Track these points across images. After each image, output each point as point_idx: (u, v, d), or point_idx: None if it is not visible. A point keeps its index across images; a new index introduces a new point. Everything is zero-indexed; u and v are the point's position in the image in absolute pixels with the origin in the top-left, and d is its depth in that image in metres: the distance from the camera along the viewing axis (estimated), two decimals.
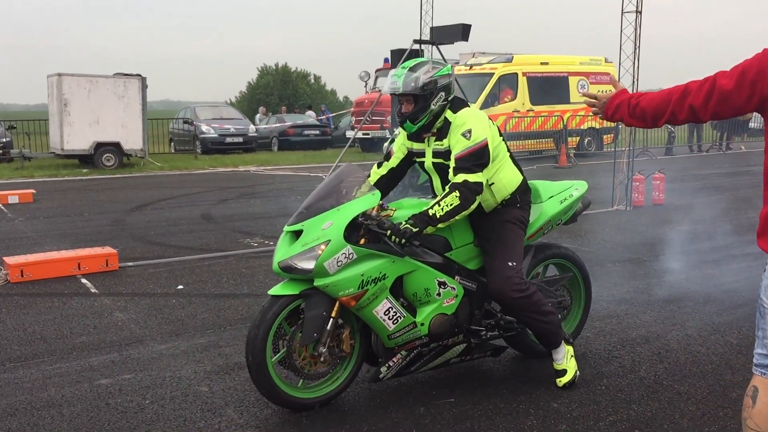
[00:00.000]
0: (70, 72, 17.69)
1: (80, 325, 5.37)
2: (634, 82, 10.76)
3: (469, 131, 3.82)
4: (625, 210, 10.68)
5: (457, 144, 3.84)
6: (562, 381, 4.07)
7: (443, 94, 3.90)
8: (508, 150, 4.11)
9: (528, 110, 19.57)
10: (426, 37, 15.75)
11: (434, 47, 15.82)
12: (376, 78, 22.93)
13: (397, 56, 15.43)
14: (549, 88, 20.03)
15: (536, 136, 19.77)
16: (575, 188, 4.48)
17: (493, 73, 19.18)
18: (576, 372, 4.10)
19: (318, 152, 23.51)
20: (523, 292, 3.86)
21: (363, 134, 21.36)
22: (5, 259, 6.92)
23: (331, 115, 30.74)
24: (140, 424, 3.67)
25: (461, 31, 15.13)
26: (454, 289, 3.94)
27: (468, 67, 20.16)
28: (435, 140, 3.99)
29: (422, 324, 3.85)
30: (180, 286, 6.47)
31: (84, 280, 6.69)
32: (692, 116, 2.59)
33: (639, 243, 8.27)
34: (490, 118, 4.08)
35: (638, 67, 10.71)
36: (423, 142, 4.06)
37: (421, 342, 3.89)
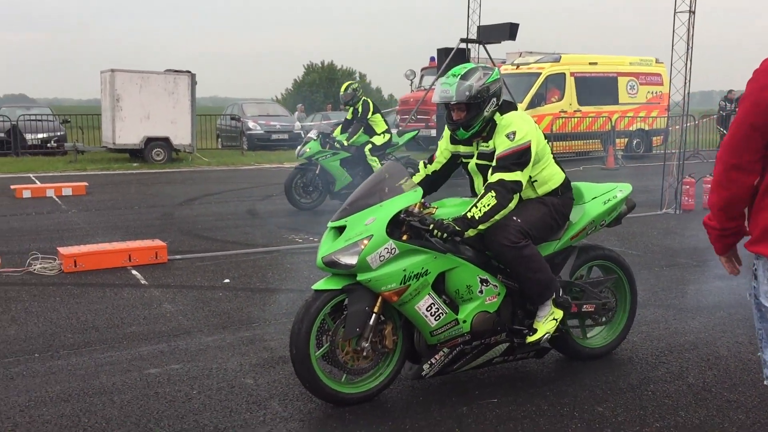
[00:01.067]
0: (123, 68, 18.11)
1: (130, 315, 5.50)
2: (686, 83, 10.56)
3: (514, 133, 3.86)
4: (674, 213, 10.48)
5: (501, 144, 3.88)
6: (529, 339, 4.01)
7: (494, 99, 3.93)
8: (552, 152, 4.17)
9: (575, 111, 19.32)
10: (473, 35, 15.70)
11: (481, 46, 15.76)
12: (422, 77, 22.91)
13: (444, 55, 15.40)
14: (597, 88, 19.74)
15: (583, 137, 19.50)
16: (619, 190, 4.44)
17: (540, 73, 18.99)
18: (546, 334, 3.99)
19: None
20: (514, 243, 3.81)
21: None
22: (59, 249, 7.13)
23: None
24: (188, 414, 3.75)
25: (509, 30, 15.04)
26: (496, 287, 3.94)
27: (515, 67, 20.00)
28: (483, 142, 4.01)
29: (464, 321, 3.85)
30: (226, 280, 6.58)
31: (134, 272, 6.85)
32: (748, 173, 2.53)
33: (688, 247, 8.11)
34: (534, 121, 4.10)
35: (690, 68, 10.50)
36: (471, 145, 4.08)
37: (463, 339, 3.90)
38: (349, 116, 10.92)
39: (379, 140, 10.66)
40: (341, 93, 10.96)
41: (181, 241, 8.37)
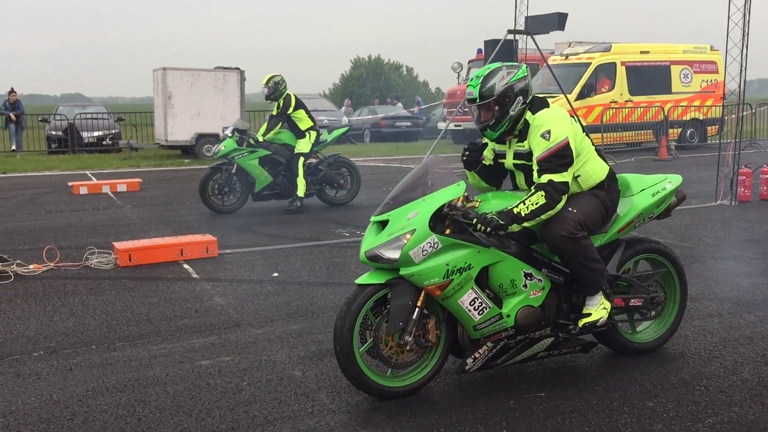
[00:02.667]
0: (174, 66, 18.47)
1: (182, 308, 5.63)
2: (741, 71, 10.25)
3: (548, 132, 3.84)
4: (729, 205, 10.20)
5: (538, 146, 3.86)
6: (582, 321, 3.98)
7: (521, 98, 3.90)
8: (593, 144, 4.12)
9: (626, 101, 18.94)
10: (521, 26, 15.49)
11: (529, 37, 15.56)
12: (469, 69, 22.76)
13: (491, 47, 15.26)
14: (649, 77, 19.32)
15: (635, 128, 19.12)
16: (669, 181, 4.35)
17: (590, 63, 18.67)
18: (601, 318, 3.97)
19: (409, 144, 23.58)
20: (572, 234, 3.80)
21: (455, 126, 21.27)
22: (115, 244, 7.33)
23: (423, 106, 30.73)
24: (238, 405, 3.83)
25: (557, 20, 14.80)
26: (540, 281, 3.91)
27: (564, 57, 19.71)
28: (516, 142, 4.02)
29: (508, 315, 3.84)
30: (275, 274, 6.67)
31: (186, 266, 7.00)
32: None
33: (744, 240, 7.89)
34: (572, 115, 4.05)
35: (746, 55, 10.19)
36: (504, 143, 4.09)
37: (507, 334, 3.88)
38: (274, 112, 10.18)
39: (306, 146, 10.00)
40: (262, 86, 10.19)
41: (230, 236, 8.51)
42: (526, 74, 3.95)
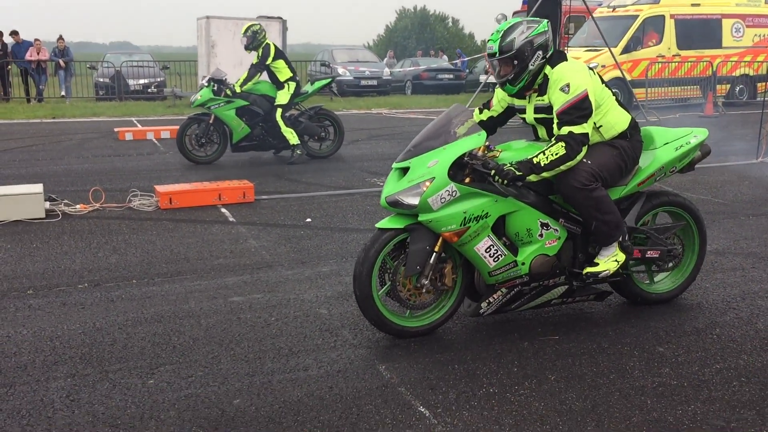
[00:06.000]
0: (218, 15, 18.58)
1: (218, 249, 5.89)
2: None
3: (567, 85, 3.88)
4: None
5: (558, 99, 3.91)
6: (586, 269, 4.08)
7: (540, 52, 3.95)
8: (613, 94, 4.16)
9: (674, 55, 18.44)
10: None
11: None
12: None
13: None
14: (699, 31, 18.73)
15: (681, 83, 18.64)
16: (694, 135, 4.35)
17: (638, 15, 18.18)
18: (607, 271, 4.05)
19: (451, 96, 23.42)
20: (584, 185, 3.87)
21: None
22: (156, 187, 7.62)
23: (466, 59, 30.37)
24: (266, 338, 4.06)
25: None
26: (557, 231, 4.01)
27: (611, 9, 19.22)
28: (537, 96, 4.07)
29: (523, 263, 3.95)
30: (308, 219, 6.88)
31: (223, 210, 7.26)
32: None
33: None
34: (592, 69, 4.11)
35: None
36: (524, 98, 4.14)
37: (521, 281, 4.00)
38: (254, 61, 9.93)
39: (284, 97, 9.81)
40: (241, 36, 9.99)
41: (267, 182, 8.74)
42: (546, 29, 4.00)
